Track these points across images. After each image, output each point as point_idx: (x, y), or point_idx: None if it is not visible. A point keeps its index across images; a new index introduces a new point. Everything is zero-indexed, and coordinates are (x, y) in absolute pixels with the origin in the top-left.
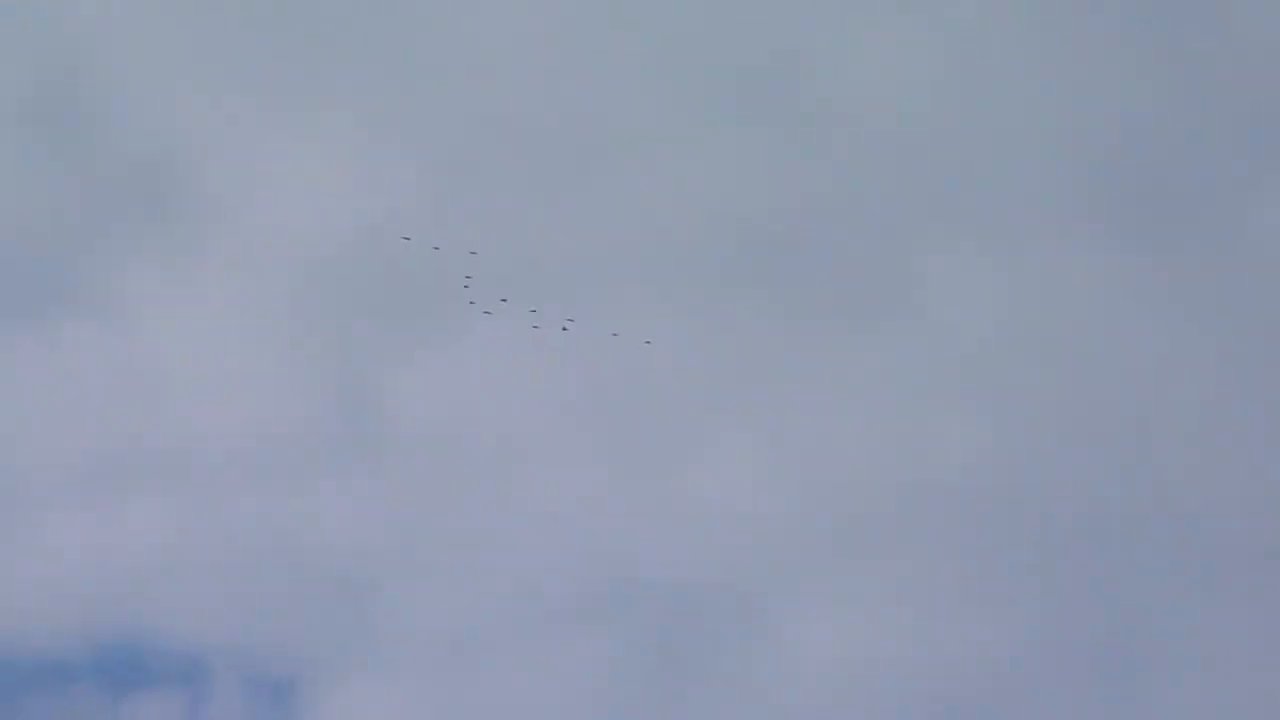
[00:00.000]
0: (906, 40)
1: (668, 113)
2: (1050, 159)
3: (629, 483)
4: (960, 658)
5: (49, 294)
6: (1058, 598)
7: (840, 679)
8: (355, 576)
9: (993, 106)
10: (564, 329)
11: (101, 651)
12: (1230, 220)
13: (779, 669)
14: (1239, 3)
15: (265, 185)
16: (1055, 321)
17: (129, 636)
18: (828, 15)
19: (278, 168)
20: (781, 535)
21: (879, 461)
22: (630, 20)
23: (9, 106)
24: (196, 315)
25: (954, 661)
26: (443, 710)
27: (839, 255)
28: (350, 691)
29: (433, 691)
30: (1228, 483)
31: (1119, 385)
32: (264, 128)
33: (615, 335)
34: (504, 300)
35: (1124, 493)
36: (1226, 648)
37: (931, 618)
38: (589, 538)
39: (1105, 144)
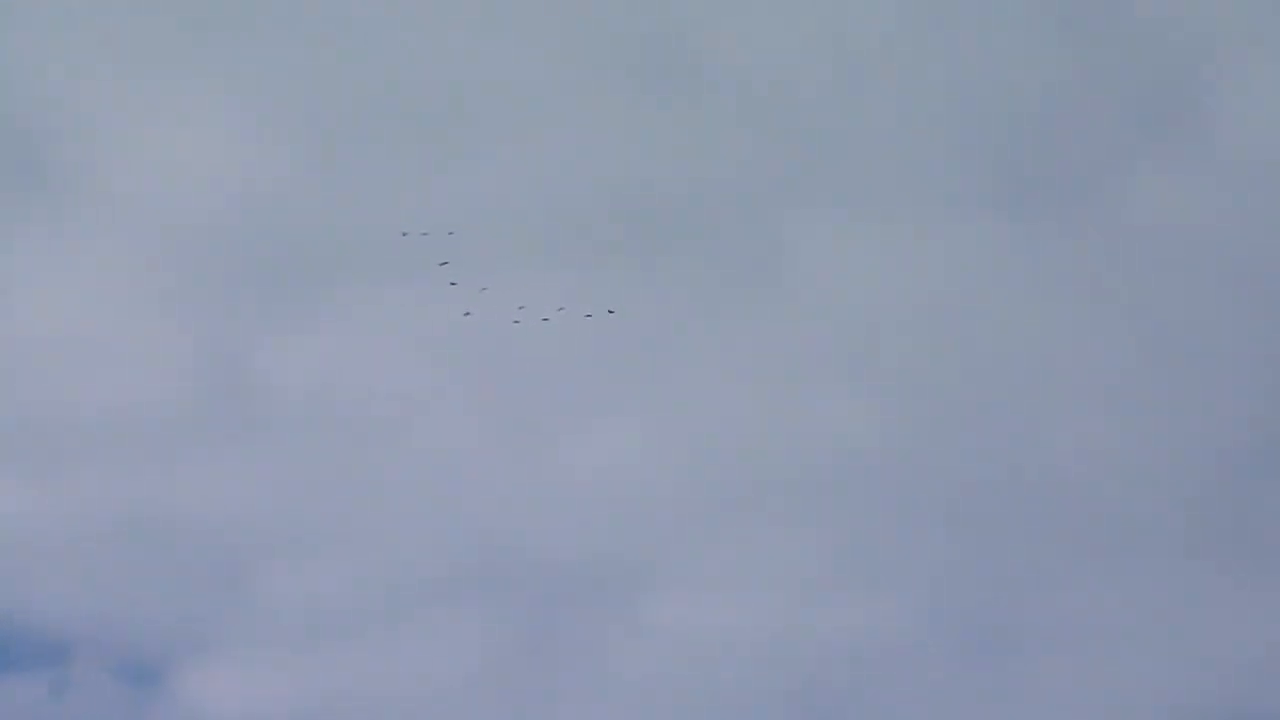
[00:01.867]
0: (782, 8)
1: (539, 81)
2: (926, 128)
3: (506, 457)
4: (837, 636)
5: None
6: (937, 575)
7: (715, 657)
8: (226, 554)
9: (871, 75)
10: (546, 320)
11: None
12: (1108, 189)
13: (653, 646)
14: None
15: (137, 154)
16: (933, 294)
17: None
18: None
19: (150, 136)
20: (658, 512)
21: (757, 436)
22: None
23: None
24: (63, 284)
25: (831, 640)
26: (313, 689)
27: (718, 225)
28: (220, 672)
29: (303, 670)
30: (1111, 457)
31: (998, 357)
32: (134, 96)
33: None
34: (485, 289)
35: (1005, 467)
36: (1108, 625)
37: (809, 596)
38: (466, 513)
39: (982, 113)
